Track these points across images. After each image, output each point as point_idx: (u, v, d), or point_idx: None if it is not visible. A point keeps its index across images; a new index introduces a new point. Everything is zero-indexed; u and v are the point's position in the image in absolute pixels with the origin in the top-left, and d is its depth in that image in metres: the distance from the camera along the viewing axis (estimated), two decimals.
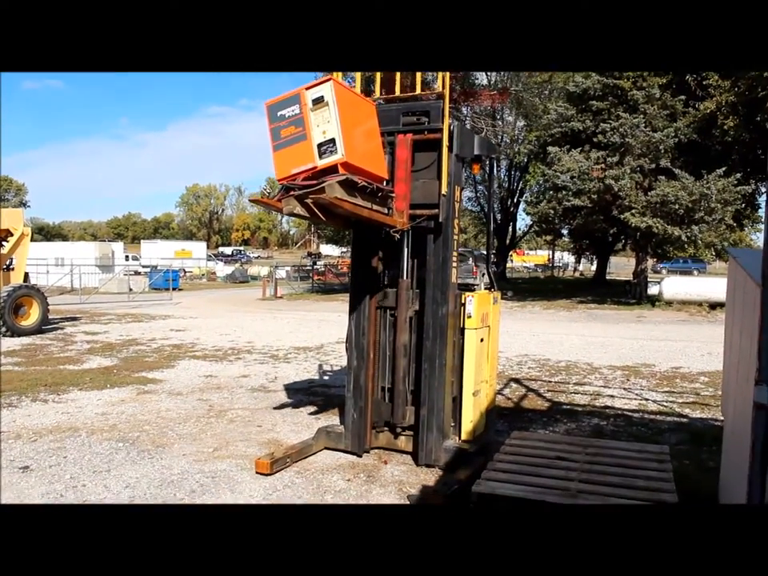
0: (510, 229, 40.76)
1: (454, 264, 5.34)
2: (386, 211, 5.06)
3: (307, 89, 4.44)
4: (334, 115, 4.33)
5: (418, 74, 5.41)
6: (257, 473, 5.09)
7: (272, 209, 4.89)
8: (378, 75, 5.52)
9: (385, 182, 5.02)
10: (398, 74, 5.49)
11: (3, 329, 13.10)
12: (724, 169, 20.51)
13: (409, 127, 5.33)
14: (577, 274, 54.72)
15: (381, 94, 5.58)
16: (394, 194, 5.11)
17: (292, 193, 4.44)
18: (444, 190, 5.15)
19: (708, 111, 21.28)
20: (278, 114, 4.52)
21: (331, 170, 4.37)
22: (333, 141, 4.32)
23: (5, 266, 14.18)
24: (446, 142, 5.14)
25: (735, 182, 20.55)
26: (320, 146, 4.35)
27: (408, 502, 4.57)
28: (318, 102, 4.37)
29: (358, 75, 5.87)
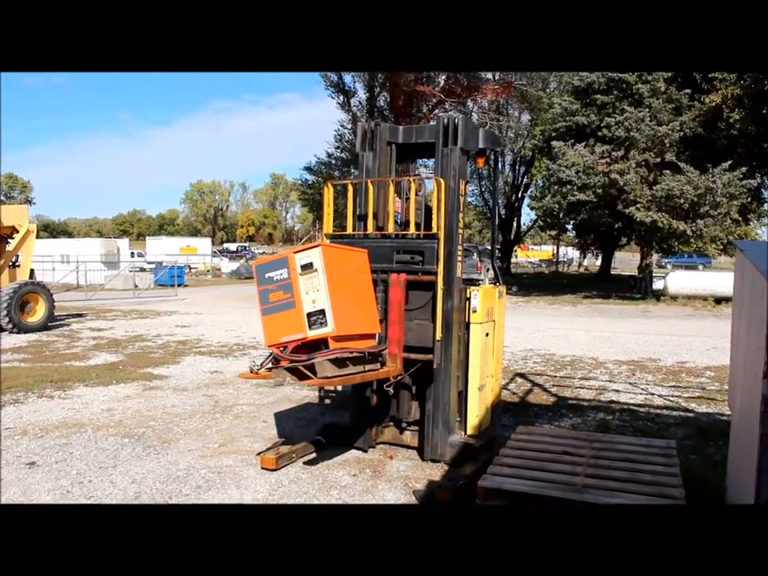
0: (515, 224, 40.77)
1: (459, 259, 5.32)
2: (378, 366, 4.91)
3: (296, 252, 4.39)
4: (323, 283, 4.25)
5: (412, 212, 5.18)
6: (262, 468, 5.09)
7: (262, 379, 4.84)
8: (371, 211, 5.20)
9: (377, 336, 4.91)
10: (391, 203, 5.19)
11: (9, 325, 13.10)
12: (729, 162, 20.43)
13: (402, 266, 5.15)
14: (581, 269, 54.58)
15: (374, 228, 5.27)
16: (386, 350, 4.96)
17: (282, 364, 4.38)
18: (439, 335, 5.03)
19: (713, 104, 21.20)
20: (266, 275, 4.46)
21: (321, 341, 4.31)
22: (323, 312, 4.24)
23: (10, 263, 14.19)
24: (440, 285, 5.00)
25: (741, 176, 20.47)
26: (309, 315, 4.28)
27: (414, 498, 4.58)
28: (307, 267, 4.31)
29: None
